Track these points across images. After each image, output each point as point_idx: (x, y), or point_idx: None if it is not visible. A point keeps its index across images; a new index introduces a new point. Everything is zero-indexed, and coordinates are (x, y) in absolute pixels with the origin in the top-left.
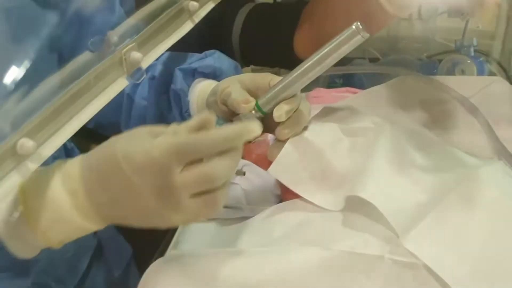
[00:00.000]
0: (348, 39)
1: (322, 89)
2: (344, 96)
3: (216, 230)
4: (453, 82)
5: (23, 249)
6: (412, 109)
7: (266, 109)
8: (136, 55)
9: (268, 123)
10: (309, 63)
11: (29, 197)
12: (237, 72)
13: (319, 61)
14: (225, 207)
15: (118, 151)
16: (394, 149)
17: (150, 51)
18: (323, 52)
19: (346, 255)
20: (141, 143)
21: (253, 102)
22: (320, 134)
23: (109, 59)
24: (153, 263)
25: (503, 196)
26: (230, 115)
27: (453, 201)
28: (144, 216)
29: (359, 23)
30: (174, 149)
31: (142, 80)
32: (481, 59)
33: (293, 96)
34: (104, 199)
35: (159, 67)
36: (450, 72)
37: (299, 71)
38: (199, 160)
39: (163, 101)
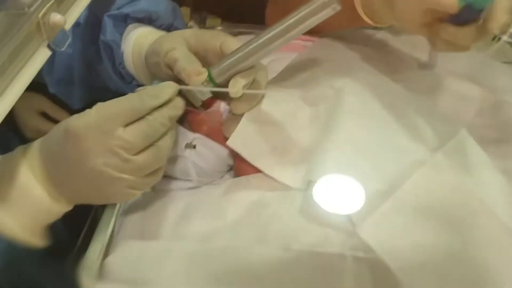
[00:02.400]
0: (317, 11)
1: None
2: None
3: (162, 202)
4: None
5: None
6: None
7: (219, 80)
8: (56, 17)
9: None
10: (271, 33)
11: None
12: (175, 15)
13: (283, 32)
14: (172, 178)
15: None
16: (353, 126)
17: (70, 7)
18: (288, 23)
19: (306, 255)
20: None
21: (205, 74)
22: (280, 103)
23: (25, 27)
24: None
25: (458, 184)
26: (176, 79)
27: (410, 188)
28: (97, 188)
29: None
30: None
31: None
32: None
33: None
34: (60, 177)
35: (83, 12)
36: None
37: (259, 41)
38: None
39: (92, 52)
